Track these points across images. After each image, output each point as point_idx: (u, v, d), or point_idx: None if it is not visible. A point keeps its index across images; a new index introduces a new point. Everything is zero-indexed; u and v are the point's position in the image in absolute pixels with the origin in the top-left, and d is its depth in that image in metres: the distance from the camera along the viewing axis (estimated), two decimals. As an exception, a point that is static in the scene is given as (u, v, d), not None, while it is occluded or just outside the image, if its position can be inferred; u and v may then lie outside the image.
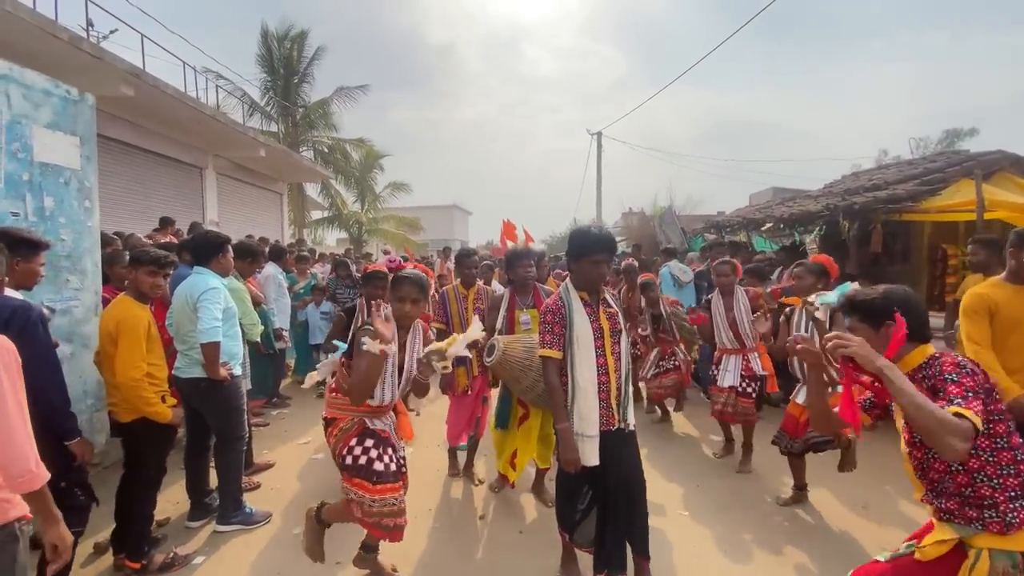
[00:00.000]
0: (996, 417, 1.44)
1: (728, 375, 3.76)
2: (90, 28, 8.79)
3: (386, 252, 9.47)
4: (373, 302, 2.20)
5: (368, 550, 2.48)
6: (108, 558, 2.65)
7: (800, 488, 3.28)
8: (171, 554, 2.66)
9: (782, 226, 6.51)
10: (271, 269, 5.30)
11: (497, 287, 4.19)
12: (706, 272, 5.75)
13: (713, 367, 3.94)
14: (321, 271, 7.78)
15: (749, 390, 3.72)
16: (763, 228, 6.85)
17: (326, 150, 19.62)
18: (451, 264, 9.29)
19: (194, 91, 10.68)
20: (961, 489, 1.46)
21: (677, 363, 4.45)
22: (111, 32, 10.11)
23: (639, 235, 12.99)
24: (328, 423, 2.37)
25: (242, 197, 11.98)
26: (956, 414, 1.32)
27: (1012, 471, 1.42)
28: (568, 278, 2.49)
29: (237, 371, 3.10)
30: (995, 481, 1.42)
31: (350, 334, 2.96)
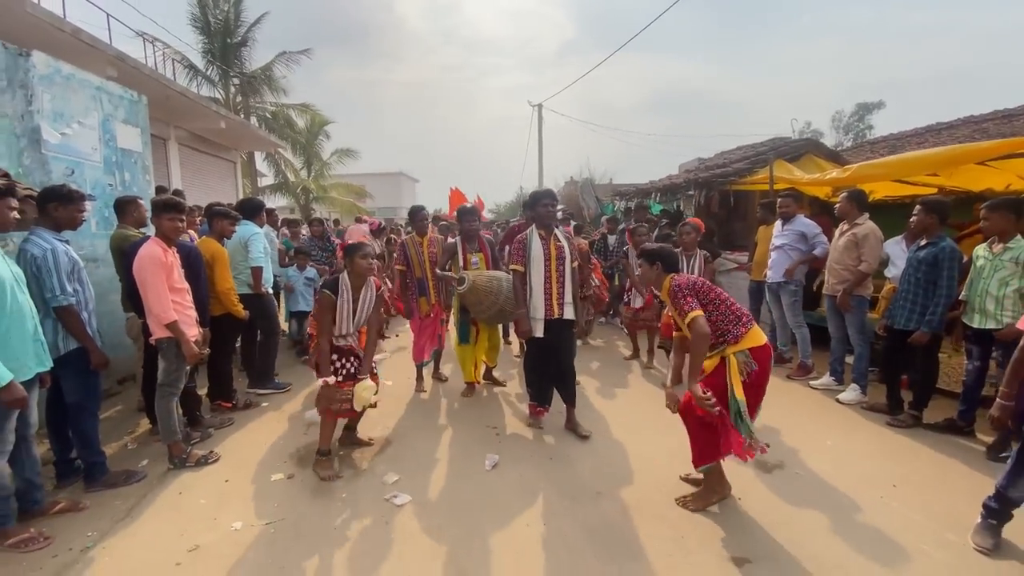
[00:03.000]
0: (710, 297, 2.67)
1: (637, 299, 5.55)
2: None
3: (358, 220, 10.84)
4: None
5: (321, 456, 3.25)
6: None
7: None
8: (247, 399, 4.29)
9: (657, 195, 8.53)
10: (265, 228, 6.68)
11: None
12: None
13: (626, 294, 5.75)
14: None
15: (649, 310, 5.46)
16: (650, 196, 8.85)
17: (269, 116, 20.00)
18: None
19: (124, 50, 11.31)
20: (716, 332, 2.63)
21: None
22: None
23: (570, 202, 14.95)
24: (312, 338, 3.45)
25: (201, 166, 12.76)
26: (692, 318, 2.52)
27: (729, 315, 2.65)
28: (533, 220, 3.80)
29: (270, 288, 4.67)
30: (724, 322, 2.64)
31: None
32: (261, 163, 20.22)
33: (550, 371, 3.81)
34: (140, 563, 2.42)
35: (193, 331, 3.30)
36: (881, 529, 2.59)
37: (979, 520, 2.50)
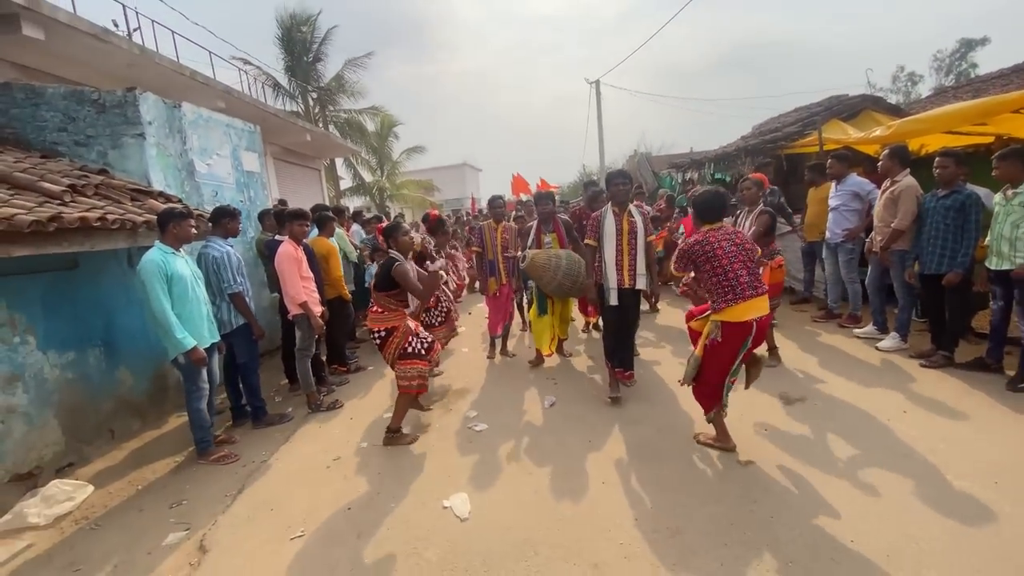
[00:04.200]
0: (708, 266, 2.91)
1: None
2: (115, 27, 9.82)
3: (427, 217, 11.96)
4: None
5: (391, 432, 3.60)
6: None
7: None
8: (358, 364, 5.34)
9: (711, 164, 8.76)
10: (355, 227, 7.81)
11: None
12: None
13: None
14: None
15: None
16: (705, 165, 9.09)
17: (344, 123, 21.77)
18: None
19: (212, 74, 12.98)
20: (711, 297, 2.97)
21: None
22: (134, 30, 9.71)
23: (633, 177, 15.26)
24: (387, 334, 3.49)
25: (292, 176, 14.42)
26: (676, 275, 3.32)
27: (720, 287, 2.87)
28: (609, 198, 4.01)
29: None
30: (715, 291, 2.90)
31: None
32: (340, 168, 22.07)
33: (628, 336, 4.11)
34: (302, 467, 3.45)
35: (318, 308, 4.31)
36: (874, 442, 3.08)
37: None
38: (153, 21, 9.70)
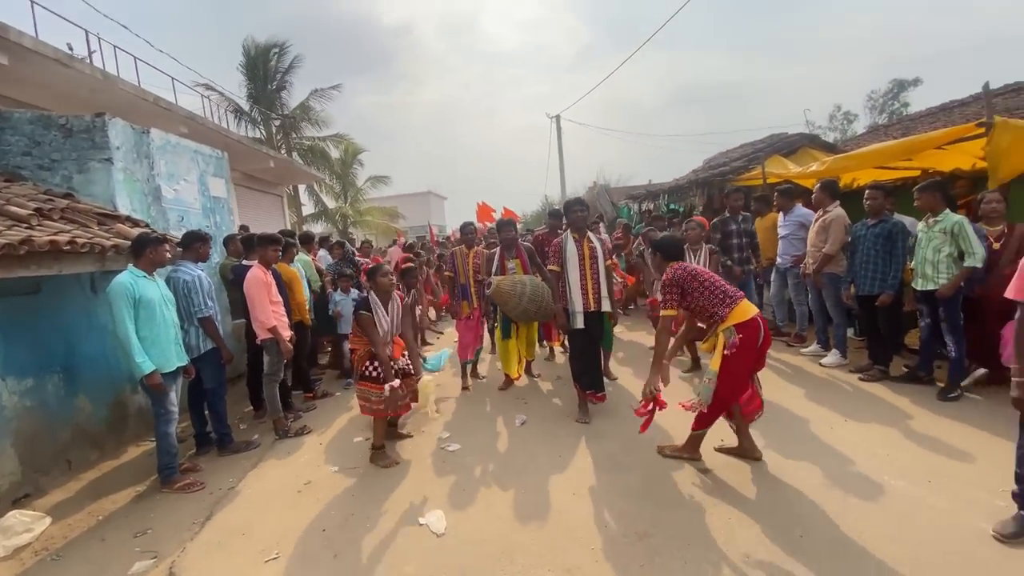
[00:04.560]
0: (696, 285, 3.07)
1: (657, 293, 5.97)
2: (70, 51, 9.47)
3: (395, 242, 12.00)
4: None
5: (376, 449, 3.68)
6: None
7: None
8: (323, 390, 5.31)
9: (665, 196, 9.28)
10: (322, 252, 7.81)
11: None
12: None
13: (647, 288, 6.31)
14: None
15: None
16: (660, 196, 9.62)
17: (307, 150, 21.71)
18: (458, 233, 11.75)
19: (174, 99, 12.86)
20: (707, 315, 3.11)
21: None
22: (91, 53, 9.18)
23: (592, 205, 15.84)
24: (352, 351, 3.78)
25: (255, 202, 14.24)
26: (663, 315, 3.11)
27: (716, 297, 3.04)
28: (568, 225, 4.18)
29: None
30: (712, 305, 3.05)
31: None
32: (303, 194, 21.87)
33: (594, 358, 4.21)
34: (270, 493, 3.42)
35: (287, 333, 4.32)
36: (818, 448, 3.34)
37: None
38: (115, 47, 9.59)
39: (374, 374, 3.59)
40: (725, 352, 2.98)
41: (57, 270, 3.18)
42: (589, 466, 3.37)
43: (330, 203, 23.42)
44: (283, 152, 18.94)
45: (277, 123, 20.51)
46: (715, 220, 6.05)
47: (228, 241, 4.95)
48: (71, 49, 8.86)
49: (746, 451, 3.26)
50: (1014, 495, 2.38)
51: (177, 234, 4.42)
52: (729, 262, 5.71)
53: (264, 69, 19.84)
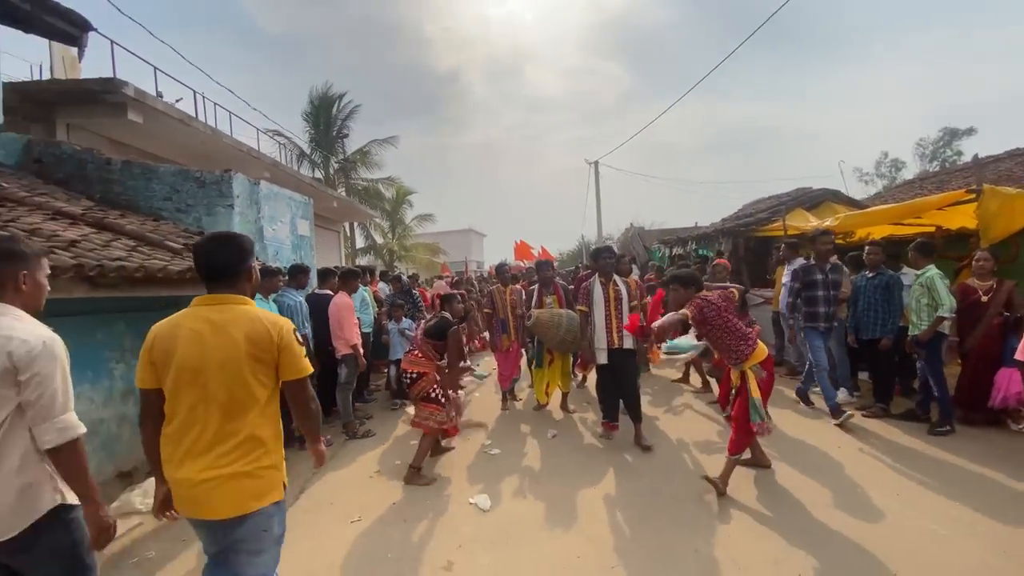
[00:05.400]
0: (721, 322, 3.36)
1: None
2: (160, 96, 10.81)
3: (440, 276, 13.07)
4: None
5: (413, 470, 3.98)
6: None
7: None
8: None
9: (694, 242, 9.97)
10: (380, 285, 8.81)
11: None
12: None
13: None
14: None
15: None
16: (688, 243, 10.30)
17: (361, 190, 23.51)
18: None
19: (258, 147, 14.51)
20: (731, 352, 3.45)
21: None
22: (177, 100, 9.91)
23: (627, 247, 16.60)
24: (418, 376, 4.02)
25: (317, 238, 15.65)
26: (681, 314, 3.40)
27: (738, 336, 3.40)
28: (596, 270, 4.70)
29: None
30: (736, 343, 3.40)
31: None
32: (355, 230, 23.53)
33: (616, 392, 4.58)
34: (347, 477, 4.22)
35: (361, 350, 5.21)
36: (826, 472, 3.89)
37: None
38: (215, 104, 11.25)
39: (438, 397, 4.01)
40: (759, 383, 3.41)
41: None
42: (607, 468, 4.02)
43: (379, 239, 24.99)
44: (341, 192, 20.65)
45: (335, 165, 22.41)
46: (797, 268, 5.64)
47: (320, 274, 5.90)
48: (160, 95, 10.47)
49: (758, 460, 3.86)
50: None
51: (272, 266, 5.43)
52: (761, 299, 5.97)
53: (327, 116, 21.91)
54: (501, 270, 6.41)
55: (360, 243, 24.94)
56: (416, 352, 4.20)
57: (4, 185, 4.30)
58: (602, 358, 4.47)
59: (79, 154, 5.63)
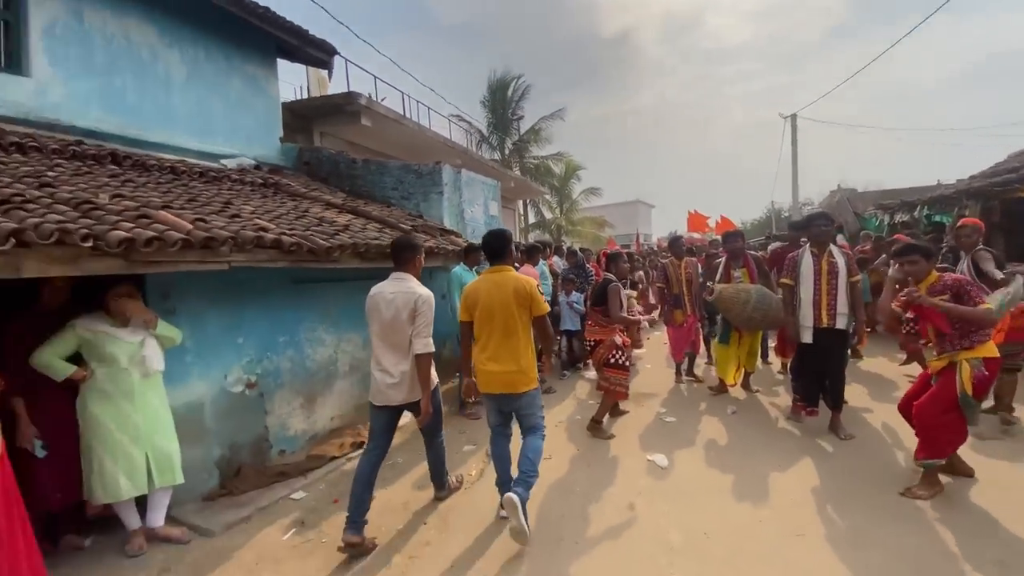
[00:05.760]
0: (964, 299, 2.96)
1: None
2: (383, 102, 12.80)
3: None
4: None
5: (595, 423, 4.49)
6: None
7: None
8: (548, 387, 6.79)
9: (925, 206, 8.37)
10: (555, 259, 9.47)
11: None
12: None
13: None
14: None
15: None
16: (917, 207, 8.68)
17: (533, 168, 24.63)
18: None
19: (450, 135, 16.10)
20: (960, 335, 3.01)
21: None
22: (382, 100, 10.93)
23: (832, 215, 14.68)
24: (596, 344, 4.42)
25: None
26: (986, 308, 2.88)
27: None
28: (809, 239, 4.29)
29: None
30: (970, 325, 3.00)
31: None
32: (522, 206, 24.88)
33: (817, 375, 4.22)
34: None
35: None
36: None
37: None
38: (417, 101, 12.94)
39: (620, 362, 4.30)
40: (972, 381, 2.96)
41: (430, 264, 5.17)
42: (796, 449, 4.02)
43: (547, 214, 26.03)
44: (515, 171, 22.02)
45: (510, 146, 23.84)
46: None
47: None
48: (381, 100, 12.55)
49: (957, 468, 3.36)
50: None
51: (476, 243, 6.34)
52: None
53: (503, 98, 23.30)
54: (676, 243, 6.28)
55: (531, 219, 26.33)
56: (590, 322, 4.59)
57: (290, 183, 5.84)
58: (807, 336, 4.11)
59: (334, 156, 7.22)
